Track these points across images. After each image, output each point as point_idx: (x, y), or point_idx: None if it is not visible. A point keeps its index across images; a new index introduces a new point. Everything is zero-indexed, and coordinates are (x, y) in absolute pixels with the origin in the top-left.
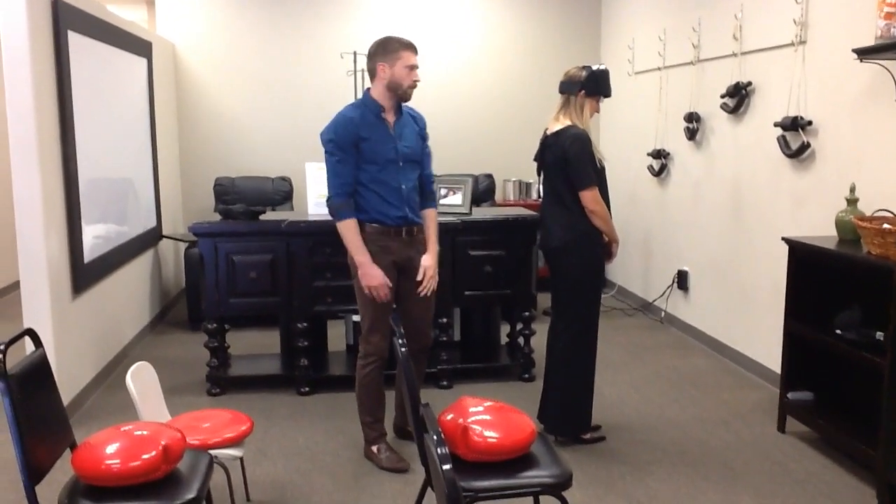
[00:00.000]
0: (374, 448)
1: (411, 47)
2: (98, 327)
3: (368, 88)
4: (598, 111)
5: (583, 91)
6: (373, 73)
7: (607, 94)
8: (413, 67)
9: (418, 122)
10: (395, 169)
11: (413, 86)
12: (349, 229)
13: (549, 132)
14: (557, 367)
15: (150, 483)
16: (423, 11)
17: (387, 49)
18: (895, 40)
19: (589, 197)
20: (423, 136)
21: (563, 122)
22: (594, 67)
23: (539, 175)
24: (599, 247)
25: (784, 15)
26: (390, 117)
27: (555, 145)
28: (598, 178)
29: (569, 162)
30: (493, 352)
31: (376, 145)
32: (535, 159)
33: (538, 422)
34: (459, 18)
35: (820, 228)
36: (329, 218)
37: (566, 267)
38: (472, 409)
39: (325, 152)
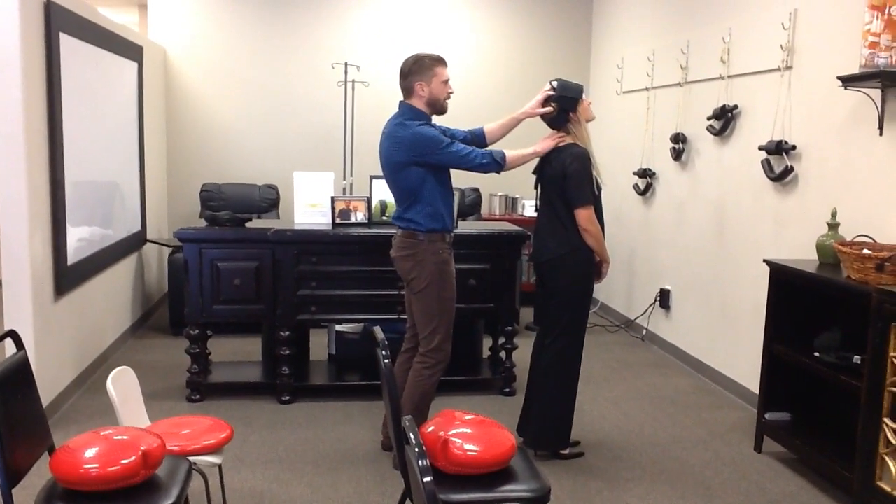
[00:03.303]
0: None
1: (443, 62)
2: (79, 330)
3: (402, 101)
4: (590, 103)
5: (569, 112)
6: (409, 91)
7: (582, 90)
8: (447, 81)
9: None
10: (449, 175)
11: (448, 98)
12: (512, 158)
13: None
14: (541, 381)
15: (128, 488)
16: (415, 26)
17: (422, 67)
18: (879, 69)
19: (584, 215)
20: (446, 131)
21: (565, 140)
22: (554, 91)
23: (536, 188)
24: (590, 263)
25: (771, 40)
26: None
27: (555, 161)
28: (594, 198)
29: (567, 179)
30: (474, 365)
31: None
32: (534, 172)
33: (517, 435)
34: (450, 35)
35: (801, 252)
36: (315, 227)
37: (556, 281)
38: (453, 422)
39: (438, 148)
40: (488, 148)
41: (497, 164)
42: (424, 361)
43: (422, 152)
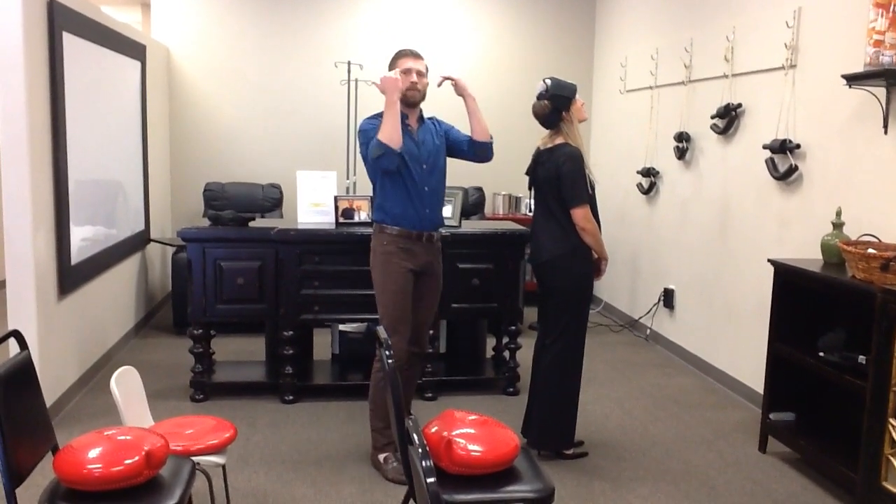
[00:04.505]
0: (382, 457)
1: (407, 54)
2: (83, 329)
3: None
4: (582, 103)
5: (561, 111)
6: None
7: (575, 90)
8: (407, 71)
9: (441, 126)
10: (419, 171)
11: (412, 89)
12: (382, 132)
13: (541, 148)
14: (543, 381)
15: (131, 488)
16: (419, 24)
17: (392, 60)
18: (883, 67)
19: (580, 214)
20: (448, 132)
21: (557, 140)
22: (546, 90)
23: (530, 190)
24: (589, 263)
25: (775, 39)
26: (413, 124)
27: (548, 162)
28: (589, 197)
29: (562, 179)
30: (478, 365)
31: (403, 148)
32: (527, 173)
33: (521, 436)
34: (454, 34)
35: (805, 251)
36: (318, 227)
37: (555, 281)
38: (456, 423)
39: (363, 144)
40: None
41: (384, 155)
42: (376, 355)
43: (360, 147)
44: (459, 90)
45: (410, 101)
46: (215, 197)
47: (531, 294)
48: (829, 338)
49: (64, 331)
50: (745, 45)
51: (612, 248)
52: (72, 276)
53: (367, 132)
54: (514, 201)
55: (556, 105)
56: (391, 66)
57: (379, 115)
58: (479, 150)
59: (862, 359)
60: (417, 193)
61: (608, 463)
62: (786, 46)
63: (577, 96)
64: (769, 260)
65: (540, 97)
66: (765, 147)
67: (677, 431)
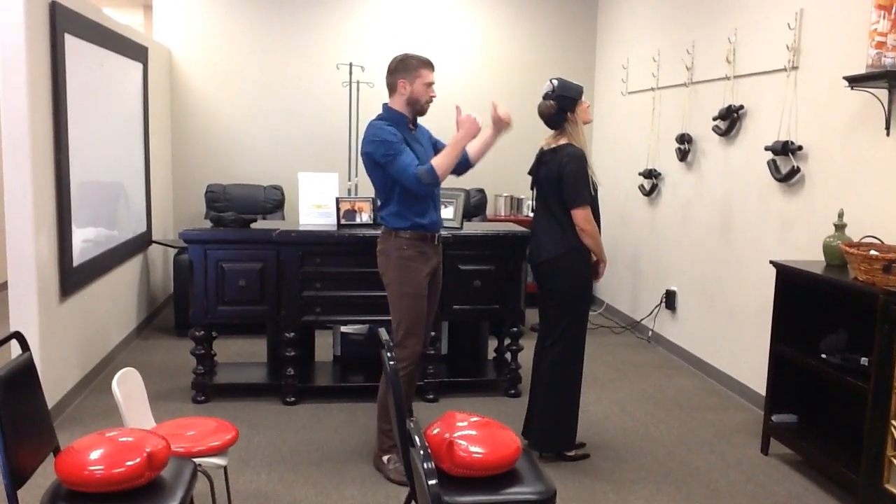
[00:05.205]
0: (386, 458)
1: (430, 65)
2: (85, 331)
3: (386, 104)
4: (588, 105)
5: (566, 112)
6: (392, 88)
7: (581, 91)
8: (430, 84)
9: (426, 131)
10: None
11: (429, 101)
12: (442, 165)
13: (545, 148)
14: (544, 383)
15: (133, 490)
16: (420, 26)
17: (407, 66)
18: (885, 69)
19: (581, 216)
20: (436, 142)
21: (560, 141)
22: (553, 90)
23: (532, 189)
24: (588, 263)
25: (777, 40)
26: (413, 127)
27: (551, 161)
28: (590, 198)
29: (564, 179)
30: (479, 366)
31: (414, 152)
32: (530, 173)
33: (523, 437)
34: (455, 36)
35: (807, 252)
36: (319, 228)
37: (554, 281)
38: (458, 424)
39: (388, 155)
40: (433, 163)
41: (430, 185)
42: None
43: (379, 155)
44: (501, 123)
45: (421, 112)
46: (217, 198)
47: (533, 295)
48: (831, 339)
49: (65, 332)
50: (747, 47)
51: (613, 250)
52: (73, 277)
53: (393, 144)
54: (515, 203)
55: (561, 105)
56: (410, 71)
57: (390, 122)
58: (464, 169)
59: (864, 360)
60: (431, 195)
61: (609, 465)
62: (787, 48)
63: (583, 98)
64: (771, 261)
65: (546, 97)
66: (766, 149)
67: (679, 433)
